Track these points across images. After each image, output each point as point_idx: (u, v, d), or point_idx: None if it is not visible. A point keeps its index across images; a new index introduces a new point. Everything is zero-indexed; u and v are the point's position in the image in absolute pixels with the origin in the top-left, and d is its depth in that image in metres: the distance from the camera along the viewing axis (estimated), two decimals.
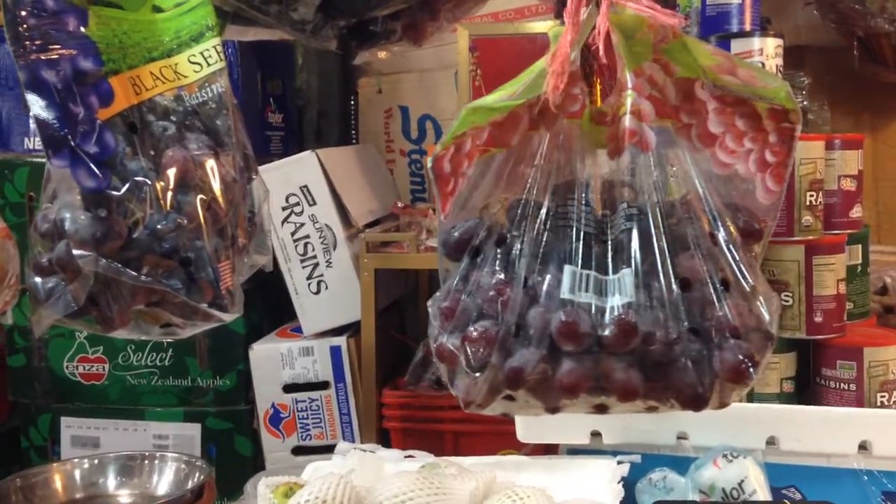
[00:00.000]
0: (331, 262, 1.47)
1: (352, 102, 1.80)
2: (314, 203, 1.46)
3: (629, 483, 0.93)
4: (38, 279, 0.61)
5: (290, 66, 1.72)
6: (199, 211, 0.62)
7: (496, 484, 0.91)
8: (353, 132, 1.79)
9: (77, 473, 1.17)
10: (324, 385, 1.48)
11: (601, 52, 0.64)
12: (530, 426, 1.05)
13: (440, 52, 1.69)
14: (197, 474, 1.17)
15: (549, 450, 1.13)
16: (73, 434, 1.54)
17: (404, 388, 1.45)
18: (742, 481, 0.92)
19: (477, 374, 0.59)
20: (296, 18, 0.80)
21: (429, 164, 0.62)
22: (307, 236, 1.48)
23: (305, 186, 1.46)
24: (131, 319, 0.63)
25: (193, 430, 1.53)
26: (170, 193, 0.62)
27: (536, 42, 1.58)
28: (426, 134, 1.73)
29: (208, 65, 0.66)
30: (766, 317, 0.61)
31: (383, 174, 1.73)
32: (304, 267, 1.49)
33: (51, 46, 0.61)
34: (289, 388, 1.48)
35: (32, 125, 1.57)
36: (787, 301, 1.13)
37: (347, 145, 1.74)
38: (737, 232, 0.63)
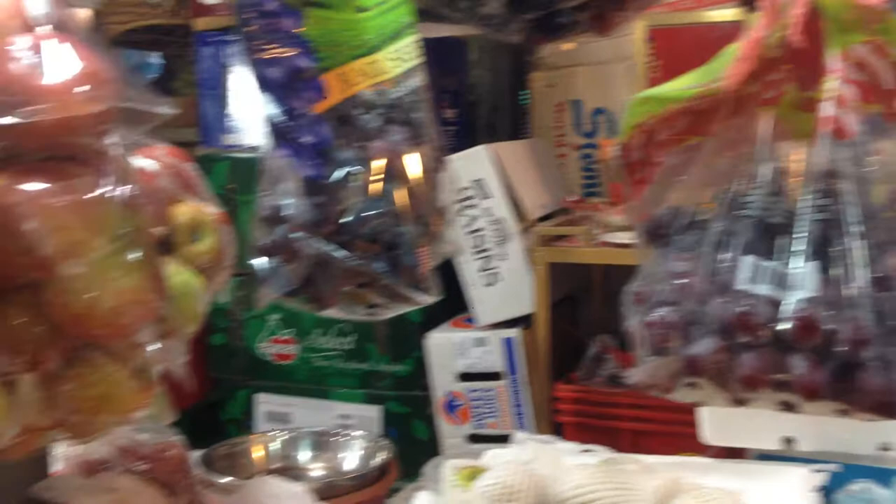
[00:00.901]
0: (503, 255, 1.48)
1: (524, 97, 1.80)
2: (487, 196, 1.49)
3: (826, 494, 0.87)
4: (259, 260, 0.67)
5: (463, 63, 1.75)
6: (403, 199, 0.65)
7: (682, 484, 0.88)
8: (525, 127, 1.80)
9: (273, 445, 1.26)
10: (496, 375, 1.49)
11: (802, 36, 0.61)
12: (717, 427, 1.01)
13: (615, 43, 1.66)
14: (381, 453, 1.22)
15: (734, 454, 1.08)
16: (266, 409, 1.66)
17: (578, 383, 1.44)
18: None
19: (656, 359, 0.58)
20: (483, 13, 0.82)
21: (614, 153, 0.62)
22: (481, 229, 1.50)
23: (479, 180, 1.48)
24: (340, 300, 0.67)
25: (374, 412, 1.60)
26: (377, 182, 0.65)
27: (718, 31, 1.51)
28: (599, 128, 1.70)
29: (406, 61, 0.69)
30: None
31: (554, 168, 1.72)
32: (477, 259, 1.51)
33: (273, 46, 0.66)
34: (463, 376, 1.51)
35: (231, 123, 1.71)
36: None
37: (519, 140, 1.75)
38: None
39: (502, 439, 1.50)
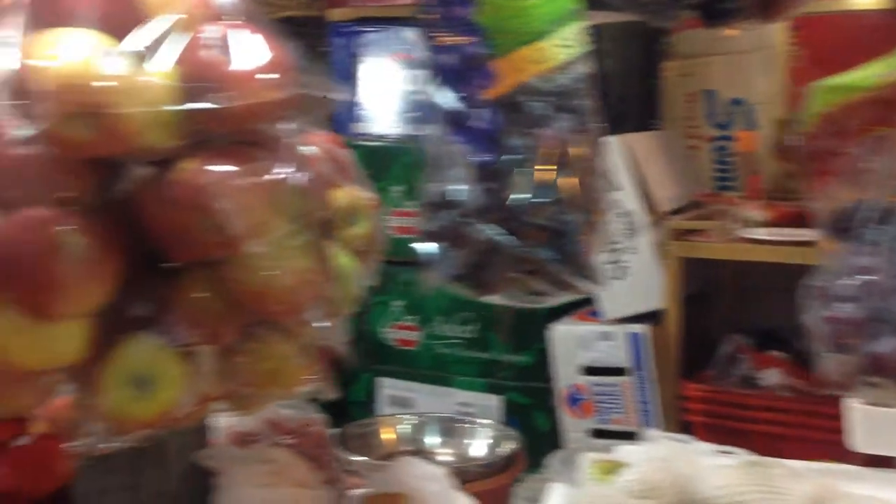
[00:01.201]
0: (632, 248, 1.45)
1: (654, 87, 1.75)
2: (617, 188, 1.46)
3: None
4: (424, 245, 0.68)
5: (593, 52, 1.72)
6: (571, 188, 0.65)
7: (834, 492, 0.84)
8: (655, 117, 1.75)
9: (403, 428, 1.29)
10: (622, 371, 1.47)
11: None
12: (870, 434, 0.96)
13: (754, 32, 1.59)
14: (508, 442, 1.23)
15: (883, 463, 1.02)
16: (389, 394, 1.69)
17: (709, 382, 1.40)
18: None
19: (836, 356, 0.56)
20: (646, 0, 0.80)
21: (796, 143, 0.59)
22: (609, 221, 1.47)
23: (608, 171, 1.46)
24: (504, 286, 0.68)
25: (495, 402, 1.60)
26: (546, 170, 0.65)
27: (867, 20, 1.42)
28: (735, 119, 1.63)
29: (573, 47, 0.69)
30: None
31: (685, 160, 1.67)
32: (605, 251, 1.49)
33: (448, 34, 0.67)
34: (587, 370, 1.49)
35: (362, 112, 1.74)
36: None
37: (649, 130, 1.71)
38: None
39: (627, 436, 1.47)
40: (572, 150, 0.66)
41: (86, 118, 0.52)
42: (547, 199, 0.64)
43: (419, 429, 1.29)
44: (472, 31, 0.66)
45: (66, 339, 0.60)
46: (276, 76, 0.55)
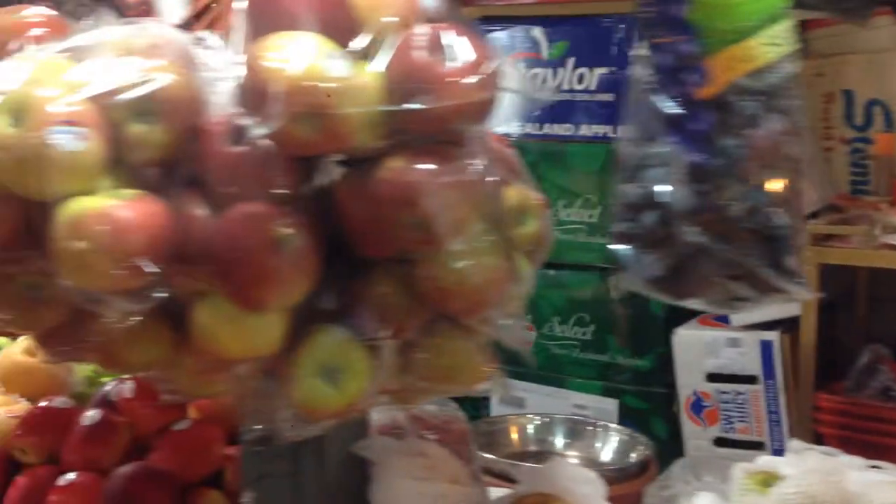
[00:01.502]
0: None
1: None
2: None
3: None
4: (620, 246, 0.68)
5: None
6: (783, 190, 0.64)
7: None
8: None
9: (530, 428, 1.29)
10: (751, 379, 1.43)
11: None
12: None
13: (893, 31, 1.52)
14: (639, 448, 1.21)
15: None
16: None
17: (844, 394, 1.35)
18: None
19: None
20: None
21: None
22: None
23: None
24: (706, 291, 0.67)
25: (611, 405, 1.59)
26: (758, 171, 0.64)
27: None
28: (873, 121, 1.57)
29: (781, 46, 0.68)
30: None
31: (819, 163, 1.61)
32: None
33: (663, 32, 0.67)
34: (713, 377, 1.46)
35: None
36: None
37: None
38: None
39: (753, 445, 1.44)
40: (783, 151, 0.65)
41: (312, 119, 0.54)
42: (761, 202, 0.63)
43: (546, 429, 1.29)
44: (686, 30, 0.65)
45: (268, 330, 0.63)
46: (482, 77, 0.56)
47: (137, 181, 0.60)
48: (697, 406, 1.48)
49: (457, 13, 0.59)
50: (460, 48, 0.56)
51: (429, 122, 0.57)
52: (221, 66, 0.62)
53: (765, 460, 1.06)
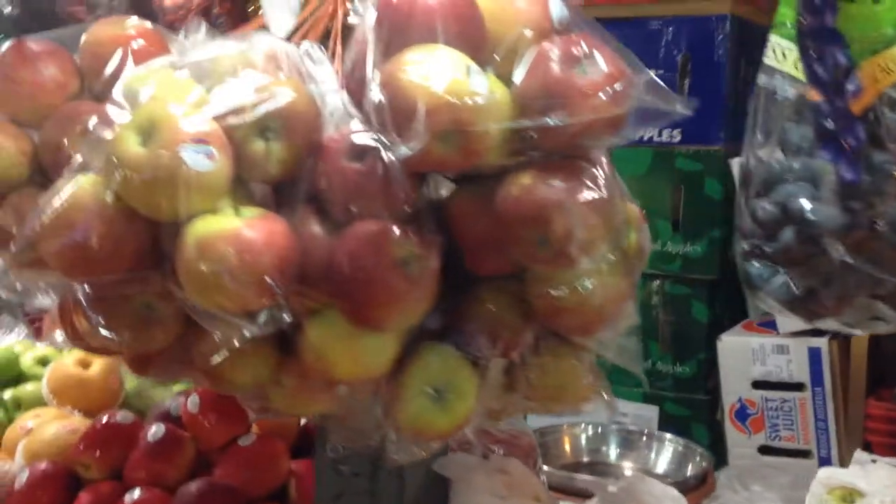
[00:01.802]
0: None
1: None
2: None
3: None
4: (753, 264, 0.66)
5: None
6: None
7: None
8: None
9: (583, 438, 1.27)
10: (798, 386, 1.42)
11: None
12: None
13: None
14: (696, 459, 1.20)
15: None
16: None
17: (891, 400, 1.34)
18: None
19: None
20: None
21: None
22: None
23: None
24: (846, 310, 0.66)
25: (651, 412, 1.57)
26: None
27: None
28: None
29: None
30: None
31: None
32: None
33: (816, 42, 0.65)
34: (759, 384, 1.45)
35: None
36: None
37: None
38: None
39: (799, 454, 1.43)
40: None
41: (451, 136, 0.53)
42: None
43: (601, 439, 1.28)
44: (835, 40, 0.64)
45: (381, 350, 0.61)
46: (617, 91, 0.54)
47: (256, 199, 0.58)
48: (742, 413, 1.47)
49: (589, 22, 0.57)
50: (595, 61, 0.55)
51: (559, 138, 0.55)
52: (328, 79, 0.61)
53: (838, 474, 1.05)
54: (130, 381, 1.06)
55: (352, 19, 0.60)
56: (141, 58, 0.64)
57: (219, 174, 0.55)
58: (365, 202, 0.56)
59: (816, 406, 1.41)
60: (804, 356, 1.41)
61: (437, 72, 0.52)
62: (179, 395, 1.01)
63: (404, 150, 0.51)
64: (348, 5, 0.64)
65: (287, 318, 0.56)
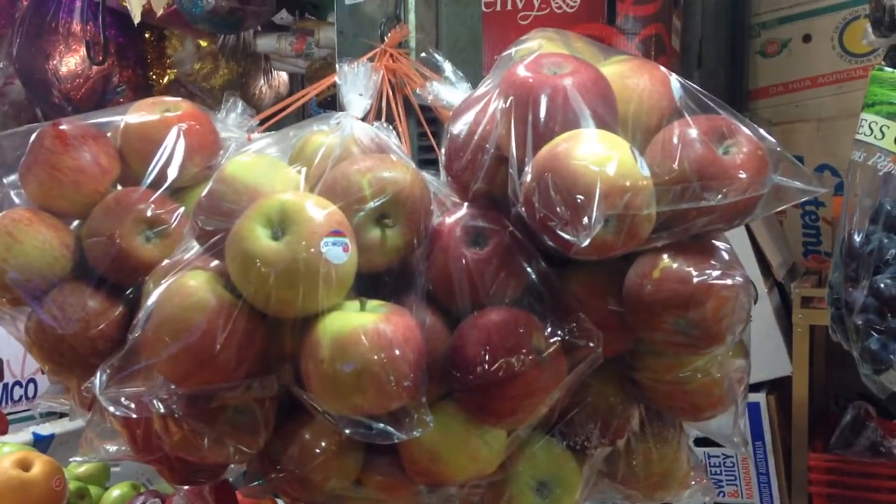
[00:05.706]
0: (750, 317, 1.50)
1: None
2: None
3: None
4: (883, 344, 0.68)
5: None
6: None
7: None
8: None
9: None
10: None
11: None
12: None
13: (840, 99, 1.70)
14: None
15: None
16: None
17: (830, 451, 1.45)
18: None
19: None
20: None
21: None
22: None
23: None
24: None
25: None
26: None
27: None
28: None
29: None
30: None
31: (777, 226, 1.75)
32: None
33: None
34: (700, 441, 1.51)
35: None
36: None
37: None
38: None
39: None
40: None
41: (617, 220, 0.52)
42: None
43: None
44: None
45: (497, 445, 0.59)
46: (759, 169, 0.56)
47: (374, 290, 0.55)
48: None
49: (718, 102, 0.58)
50: (739, 140, 0.56)
51: (700, 219, 0.56)
52: (405, 159, 0.60)
53: None
54: (73, 483, 0.94)
55: (420, 98, 0.60)
56: (192, 140, 0.62)
57: (350, 266, 0.53)
58: (489, 289, 0.54)
59: (758, 460, 1.50)
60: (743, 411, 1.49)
61: (607, 155, 0.51)
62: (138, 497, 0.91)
63: (581, 239, 0.49)
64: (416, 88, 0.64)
65: (427, 417, 0.52)
